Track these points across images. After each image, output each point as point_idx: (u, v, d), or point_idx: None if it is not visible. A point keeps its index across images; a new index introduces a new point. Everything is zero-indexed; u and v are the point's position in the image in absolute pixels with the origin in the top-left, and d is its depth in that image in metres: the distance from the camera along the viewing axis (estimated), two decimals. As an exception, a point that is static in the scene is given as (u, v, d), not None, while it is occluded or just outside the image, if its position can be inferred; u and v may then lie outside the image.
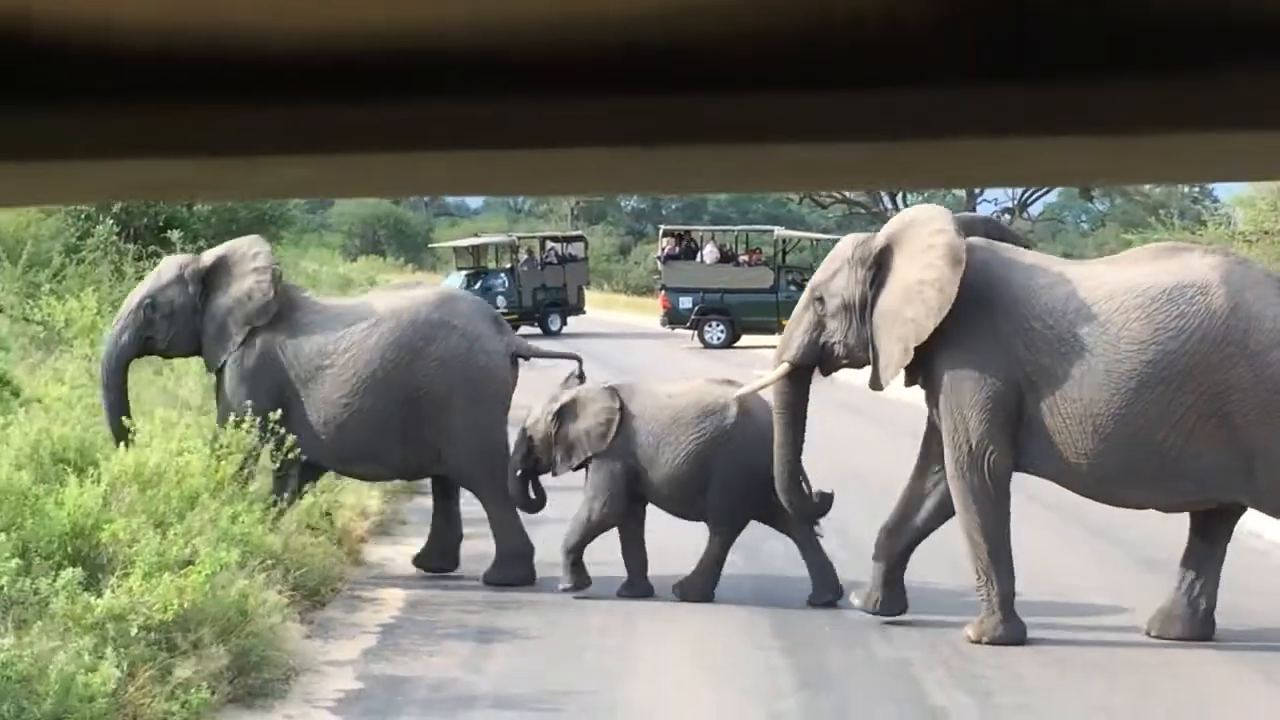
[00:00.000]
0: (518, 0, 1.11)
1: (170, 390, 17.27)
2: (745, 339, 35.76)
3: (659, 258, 41.11)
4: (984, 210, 52.98)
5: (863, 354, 11.98)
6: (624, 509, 12.75)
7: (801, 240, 41.62)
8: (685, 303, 37.49)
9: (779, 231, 41.66)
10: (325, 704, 10.03)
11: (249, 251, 13.77)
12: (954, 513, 11.71)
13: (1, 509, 9.74)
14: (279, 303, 13.49)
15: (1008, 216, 53.40)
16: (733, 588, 12.81)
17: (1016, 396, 11.40)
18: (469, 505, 13.61)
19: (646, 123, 1.13)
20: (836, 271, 12.11)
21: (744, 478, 12.51)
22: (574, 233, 52.95)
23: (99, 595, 9.16)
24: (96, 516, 10.19)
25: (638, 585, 12.72)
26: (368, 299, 14.61)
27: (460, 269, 46.00)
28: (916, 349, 11.52)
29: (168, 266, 14.09)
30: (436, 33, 1.11)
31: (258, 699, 9.92)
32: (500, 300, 42.95)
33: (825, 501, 12.60)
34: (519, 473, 13.10)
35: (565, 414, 12.80)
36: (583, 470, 12.96)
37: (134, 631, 9.04)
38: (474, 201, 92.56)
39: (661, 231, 43.20)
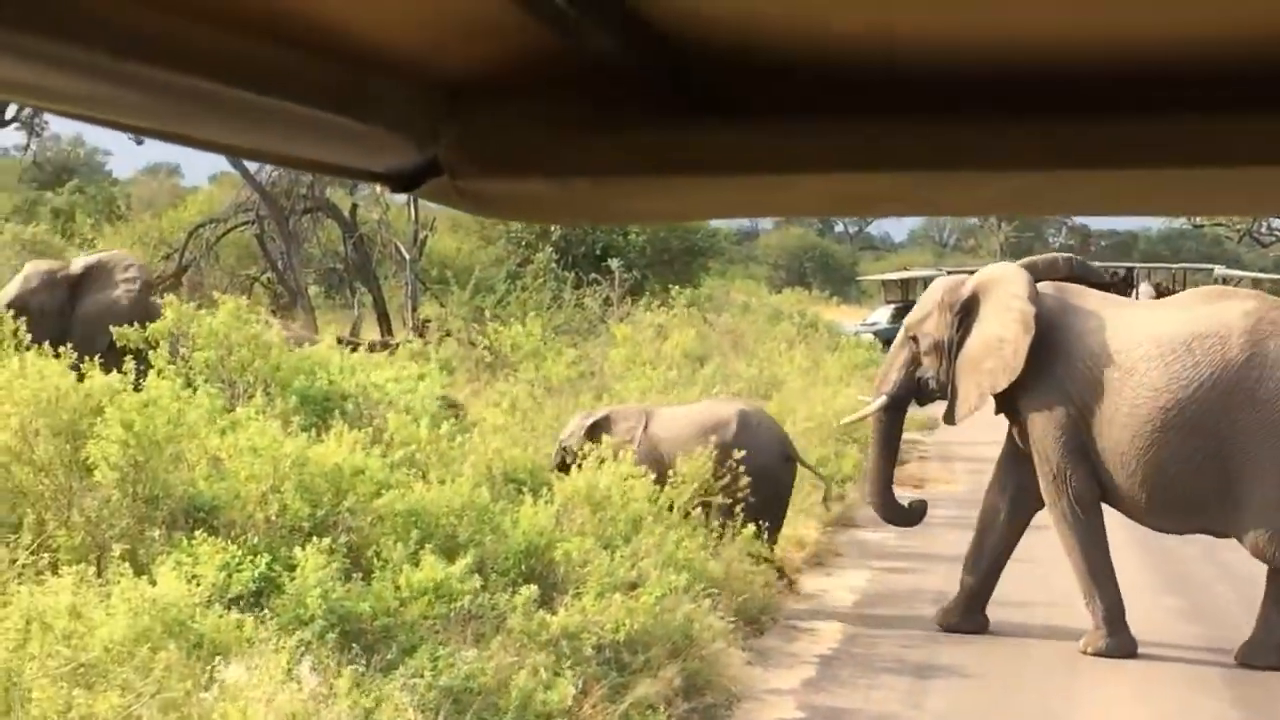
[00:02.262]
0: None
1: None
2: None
3: (1093, 294, 40.24)
4: None
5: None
6: None
7: (1243, 280, 40.31)
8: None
9: (1219, 270, 40.49)
10: (768, 731, 10.08)
11: (121, 263, 14.08)
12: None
13: (463, 525, 10.05)
14: (146, 312, 13.52)
15: None
16: (1178, 633, 12.46)
17: (1081, 429, 12.19)
18: (906, 540, 13.51)
19: None
20: (928, 314, 13.24)
21: (753, 483, 13.06)
22: (1002, 268, 52.25)
23: (553, 613, 9.38)
24: (549, 536, 10.45)
25: None
26: None
27: (889, 302, 46.03)
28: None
29: (34, 272, 14.29)
30: (1159, 47, 1.09)
31: (703, 723, 10.03)
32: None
33: (917, 510, 13.79)
34: None
35: (599, 427, 13.63)
36: None
37: (587, 650, 9.24)
38: (898, 235, 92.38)
39: (1098, 270, 42.32)
